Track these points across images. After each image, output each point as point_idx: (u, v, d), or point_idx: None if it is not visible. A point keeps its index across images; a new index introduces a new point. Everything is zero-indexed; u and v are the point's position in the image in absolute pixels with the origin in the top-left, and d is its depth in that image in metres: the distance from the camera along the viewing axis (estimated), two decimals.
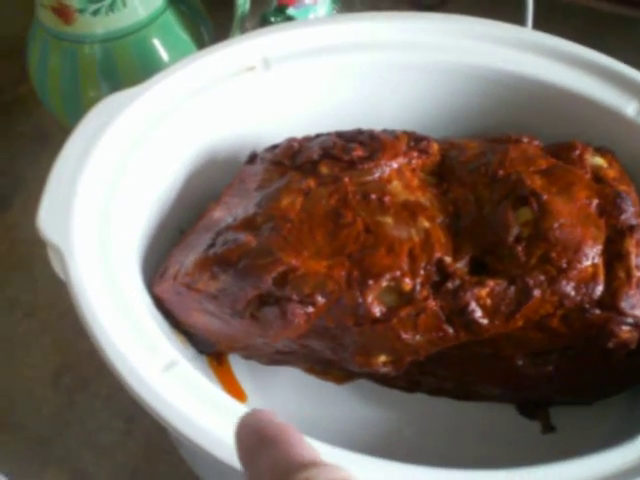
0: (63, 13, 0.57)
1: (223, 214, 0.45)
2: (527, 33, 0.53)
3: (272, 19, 0.61)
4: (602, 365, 0.42)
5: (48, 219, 0.41)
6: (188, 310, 0.44)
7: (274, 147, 0.47)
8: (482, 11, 0.55)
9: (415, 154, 0.45)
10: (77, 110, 0.60)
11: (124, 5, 0.57)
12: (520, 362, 0.42)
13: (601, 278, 0.40)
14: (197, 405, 0.36)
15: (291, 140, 0.47)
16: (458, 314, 0.39)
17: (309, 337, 0.41)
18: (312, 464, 0.23)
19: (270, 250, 0.40)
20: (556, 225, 0.40)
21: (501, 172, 0.43)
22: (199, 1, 0.64)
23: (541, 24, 0.56)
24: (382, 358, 0.41)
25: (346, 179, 0.43)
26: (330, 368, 0.45)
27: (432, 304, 0.39)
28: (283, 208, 0.42)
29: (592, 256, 0.40)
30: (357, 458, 0.36)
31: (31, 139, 0.69)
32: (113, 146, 0.45)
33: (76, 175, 0.43)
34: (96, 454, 0.51)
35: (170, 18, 0.61)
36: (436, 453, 0.45)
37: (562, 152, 0.45)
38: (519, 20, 0.57)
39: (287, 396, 0.47)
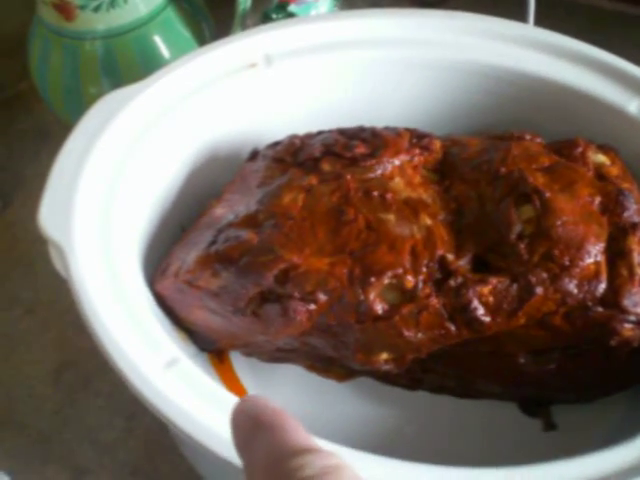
0: (64, 9, 0.57)
1: (224, 211, 0.45)
2: (529, 30, 0.53)
3: (273, 16, 0.61)
4: (604, 363, 0.42)
5: (49, 216, 0.41)
6: (189, 307, 0.43)
7: (276, 144, 0.47)
8: (483, 8, 0.55)
9: (417, 151, 0.45)
10: (78, 107, 0.60)
11: (125, 2, 0.57)
12: (522, 360, 0.42)
13: (604, 276, 0.40)
14: (198, 403, 0.36)
15: (293, 137, 0.47)
16: (460, 312, 0.39)
17: (311, 335, 0.41)
18: (307, 450, 0.23)
19: (272, 247, 0.40)
20: (559, 223, 0.40)
21: (503, 169, 0.43)
22: None
23: (542, 21, 0.56)
24: (384, 356, 0.41)
25: (348, 176, 0.43)
26: (331, 365, 0.45)
27: (434, 302, 0.39)
28: (285, 205, 0.42)
29: (594, 254, 0.40)
30: (358, 455, 0.35)
31: (32, 136, 0.69)
32: (114, 143, 0.45)
33: (77, 172, 0.43)
34: (97, 452, 0.51)
35: (171, 15, 0.60)
36: (437, 451, 0.44)
37: (564, 149, 0.45)
38: (520, 17, 0.57)
39: (288, 393, 0.47)
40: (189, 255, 0.43)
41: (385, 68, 0.52)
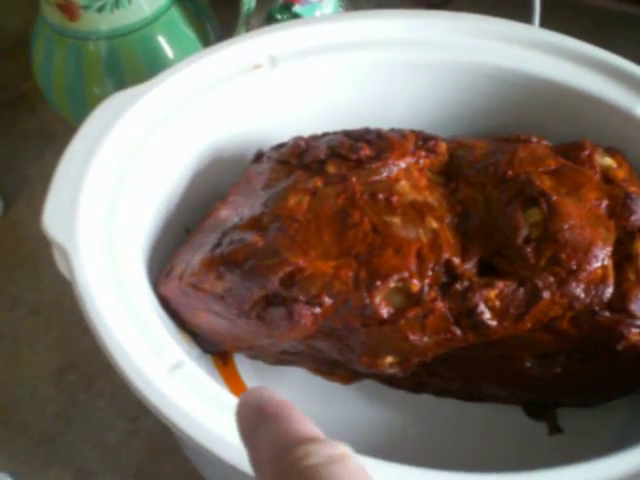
0: (68, 9, 0.57)
1: (229, 213, 0.44)
2: (535, 31, 0.53)
3: (278, 16, 0.61)
4: (610, 367, 0.41)
5: (53, 218, 0.41)
6: (194, 310, 0.43)
7: (281, 146, 0.47)
8: (488, 9, 0.55)
9: (423, 153, 0.45)
10: (82, 107, 0.60)
11: (129, 2, 0.57)
12: (528, 364, 0.41)
13: (611, 280, 0.39)
14: (202, 406, 0.36)
15: (298, 139, 0.47)
16: (466, 316, 0.39)
17: (316, 338, 0.41)
18: (312, 439, 0.23)
19: (277, 250, 0.40)
20: (566, 226, 0.40)
21: (510, 172, 0.43)
22: None
23: (548, 22, 0.56)
24: (389, 359, 0.41)
25: (353, 179, 0.43)
26: (336, 368, 0.45)
27: (440, 305, 0.39)
28: (290, 208, 0.42)
29: (602, 258, 0.39)
30: (362, 460, 0.35)
31: (35, 136, 0.68)
32: (118, 145, 0.45)
33: (81, 174, 0.43)
34: (100, 453, 0.50)
35: (175, 15, 0.60)
36: (441, 454, 0.44)
37: (571, 152, 0.45)
38: (525, 18, 0.57)
39: (293, 396, 0.46)
40: (194, 257, 0.43)
41: (390, 69, 0.52)
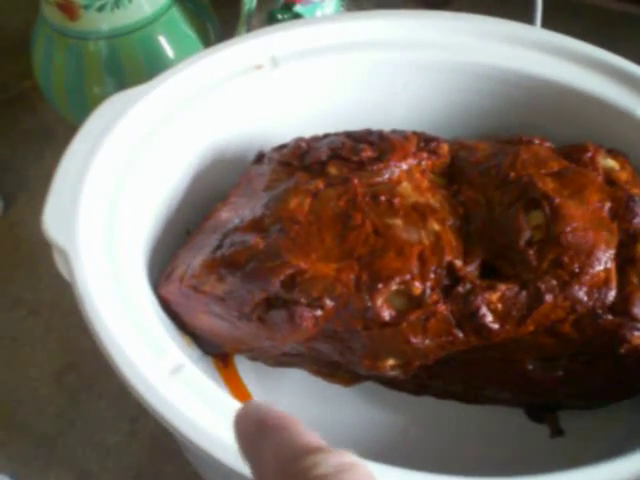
0: (68, 9, 0.56)
1: (230, 215, 0.44)
2: (536, 32, 0.53)
3: (279, 16, 0.61)
4: (613, 370, 0.41)
5: (53, 220, 0.41)
6: (194, 312, 0.43)
7: (282, 147, 0.47)
8: (489, 9, 0.55)
9: (425, 155, 0.45)
10: (82, 107, 0.59)
11: (130, 1, 0.56)
12: (530, 366, 0.41)
13: (613, 283, 0.39)
14: (203, 410, 0.36)
15: (299, 140, 0.47)
16: (468, 318, 0.39)
17: (317, 340, 0.40)
18: (319, 449, 0.23)
19: (278, 252, 0.40)
20: (568, 229, 0.40)
21: (512, 174, 0.43)
22: None
23: (549, 22, 0.56)
24: (390, 362, 0.41)
25: (355, 180, 0.42)
26: (337, 370, 0.45)
27: (442, 308, 0.39)
28: (291, 209, 0.41)
29: (605, 261, 0.39)
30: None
31: (35, 135, 0.68)
32: (119, 145, 0.45)
33: (81, 175, 0.43)
34: (100, 454, 0.50)
35: (176, 15, 0.60)
36: (442, 456, 0.44)
37: (574, 154, 0.45)
38: (527, 19, 0.56)
39: (293, 398, 0.47)
40: (194, 259, 0.42)
41: (391, 70, 0.52)
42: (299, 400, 0.47)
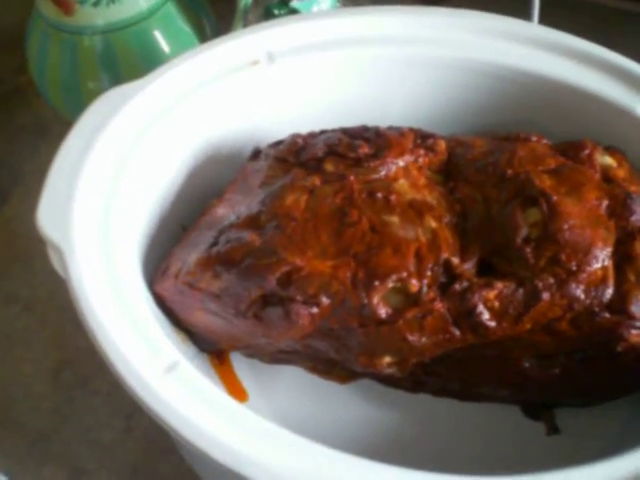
0: (63, 4, 0.56)
1: (226, 211, 0.44)
2: (534, 28, 0.53)
3: (276, 11, 0.60)
4: (610, 368, 0.41)
5: (48, 216, 0.41)
6: (190, 309, 0.43)
7: (278, 143, 0.47)
8: (486, 6, 0.54)
9: (422, 152, 0.45)
10: (77, 102, 0.59)
11: None
12: (527, 364, 0.41)
13: (611, 281, 0.39)
14: (199, 408, 0.36)
15: (295, 136, 0.46)
16: (465, 316, 0.39)
17: (313, 338, 0.40)
18: None
19: (274, 249, 0.40)
20: (566, 226, 0.40)
21: (509, 171, 0.43)
22: None
23: (546, 19, 0.56)
24: (387, 359, 0.40)
25: (351, 177, 0.42)
26: (333, 367, 0.45)
27: (439, 306, 0.39)
28: (287, 206, 0.41)
29: (602, 258, 0.39)
30: (357, 462, 0.35)
31: (30, 131, 0.68)
32: (114, 141, 0.44)
33: (76, 171, 0.42)
34: (95, 452, 0.50)
35: (172, 10, 0.60)
36: (438, 454, 0.44)
37: (571, 151, 0.45)
38: (524, 15, 0.56)
39: (289, 395, 0.47)
40: (190, 256, 0.42)
41: (388, 66, 0.52)
42: (295, 397, 0.47)
